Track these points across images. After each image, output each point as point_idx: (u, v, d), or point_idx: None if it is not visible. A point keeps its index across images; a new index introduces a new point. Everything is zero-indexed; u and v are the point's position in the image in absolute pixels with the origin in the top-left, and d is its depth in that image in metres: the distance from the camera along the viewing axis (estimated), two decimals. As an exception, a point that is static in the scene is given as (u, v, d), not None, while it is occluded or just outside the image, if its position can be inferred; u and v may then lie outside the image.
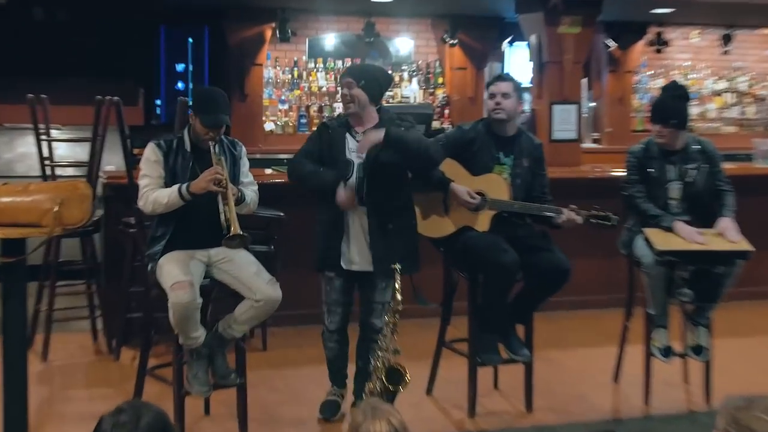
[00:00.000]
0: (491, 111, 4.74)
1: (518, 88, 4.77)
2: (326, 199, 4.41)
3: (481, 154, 4.73)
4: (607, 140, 10.44)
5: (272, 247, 5.66)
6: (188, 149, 4.38)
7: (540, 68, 7.53)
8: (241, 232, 4.10)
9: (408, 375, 3.94)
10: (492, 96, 4.74)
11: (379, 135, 4.24)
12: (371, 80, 4.43)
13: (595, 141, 10.50)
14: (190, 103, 4.48)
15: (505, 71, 10.25)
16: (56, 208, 3.67)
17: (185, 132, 4.42)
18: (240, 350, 4.41)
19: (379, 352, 3.99)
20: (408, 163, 4.35)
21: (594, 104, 10.52)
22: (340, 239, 4.42)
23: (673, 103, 4.88)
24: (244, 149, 4.56)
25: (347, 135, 4.44)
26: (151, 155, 4.37)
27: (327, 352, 4.66)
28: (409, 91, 10.04)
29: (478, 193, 4.69)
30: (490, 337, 4.68)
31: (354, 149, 4.38)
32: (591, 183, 6.99)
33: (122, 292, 5.74)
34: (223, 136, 4.41)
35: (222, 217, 4.17)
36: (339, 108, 9.74)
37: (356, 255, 4.43)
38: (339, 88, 4.22)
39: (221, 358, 4.36)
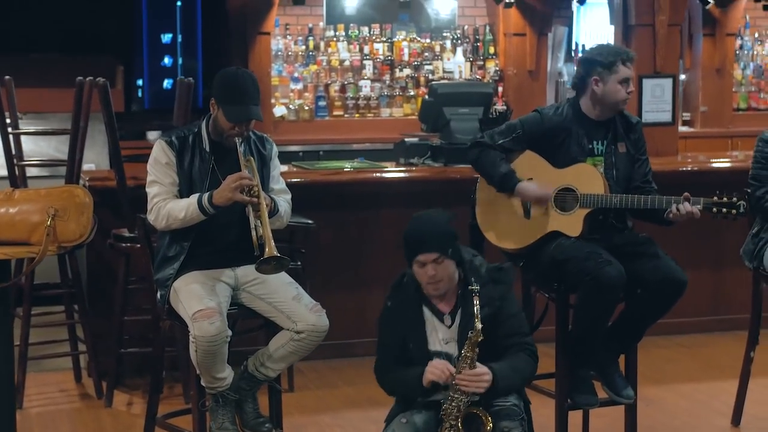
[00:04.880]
0: (621, 102, 4.71)
1: None
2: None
3: (568, 145, 4.72)
4: (701, 122, 10.41)
5: (299, 263, 5.68)
6: (207, 148, 4.41)
7: (626, 33, 7.49)
8: (278, 254, 4.13)
9: (490, 422, 3.95)
10: (624, 82, 4.66)
11: (482, 382, 3.92)
12: (453, 238, 3.99)
13: (685, 123, 10.45)
14: (210, 89, 4.51)
15: (576, 38, 10.38)
16: (49, 222, 3.67)
17: (203, 126, 4.45)
18: (274, 392, 4.45)
19: (454, 394, 3.98)
20: None
21: (684, 77, 10.48)
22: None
23: None
24: (275, 148, 4.60)
25: (430, 318, 4.07)
26: (160, 156, 4.39)
27: None
28: (453, 64, 10.01)
29: (566, 189, 4.70)
30: (584, 372, 4.68)
31: (444, 338, 4.05)
32: (689, 177, 7.01)
33: (113, 321, 5.77)
34: (251, 131, 4.44)
35: (254, 234, 4.20)
36: (366, 87, 9.79)
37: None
38: (419, 268, 3.95)
39: (251, 404, 4.40)
